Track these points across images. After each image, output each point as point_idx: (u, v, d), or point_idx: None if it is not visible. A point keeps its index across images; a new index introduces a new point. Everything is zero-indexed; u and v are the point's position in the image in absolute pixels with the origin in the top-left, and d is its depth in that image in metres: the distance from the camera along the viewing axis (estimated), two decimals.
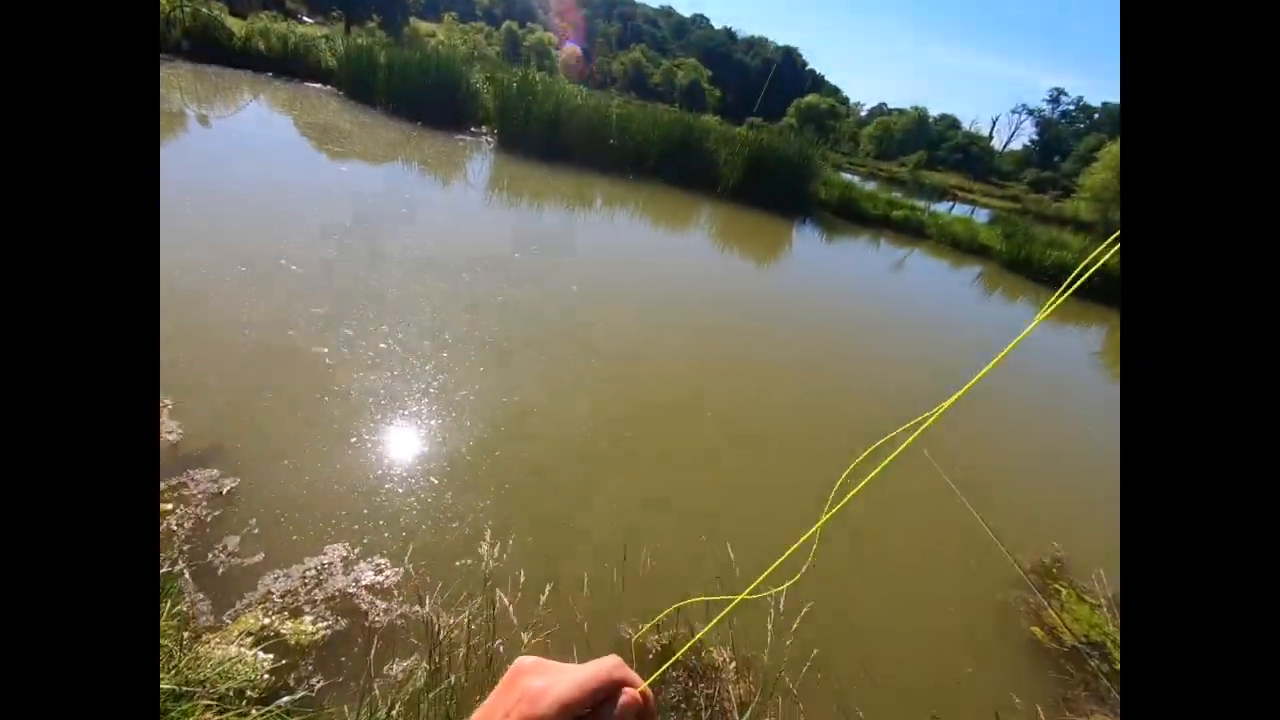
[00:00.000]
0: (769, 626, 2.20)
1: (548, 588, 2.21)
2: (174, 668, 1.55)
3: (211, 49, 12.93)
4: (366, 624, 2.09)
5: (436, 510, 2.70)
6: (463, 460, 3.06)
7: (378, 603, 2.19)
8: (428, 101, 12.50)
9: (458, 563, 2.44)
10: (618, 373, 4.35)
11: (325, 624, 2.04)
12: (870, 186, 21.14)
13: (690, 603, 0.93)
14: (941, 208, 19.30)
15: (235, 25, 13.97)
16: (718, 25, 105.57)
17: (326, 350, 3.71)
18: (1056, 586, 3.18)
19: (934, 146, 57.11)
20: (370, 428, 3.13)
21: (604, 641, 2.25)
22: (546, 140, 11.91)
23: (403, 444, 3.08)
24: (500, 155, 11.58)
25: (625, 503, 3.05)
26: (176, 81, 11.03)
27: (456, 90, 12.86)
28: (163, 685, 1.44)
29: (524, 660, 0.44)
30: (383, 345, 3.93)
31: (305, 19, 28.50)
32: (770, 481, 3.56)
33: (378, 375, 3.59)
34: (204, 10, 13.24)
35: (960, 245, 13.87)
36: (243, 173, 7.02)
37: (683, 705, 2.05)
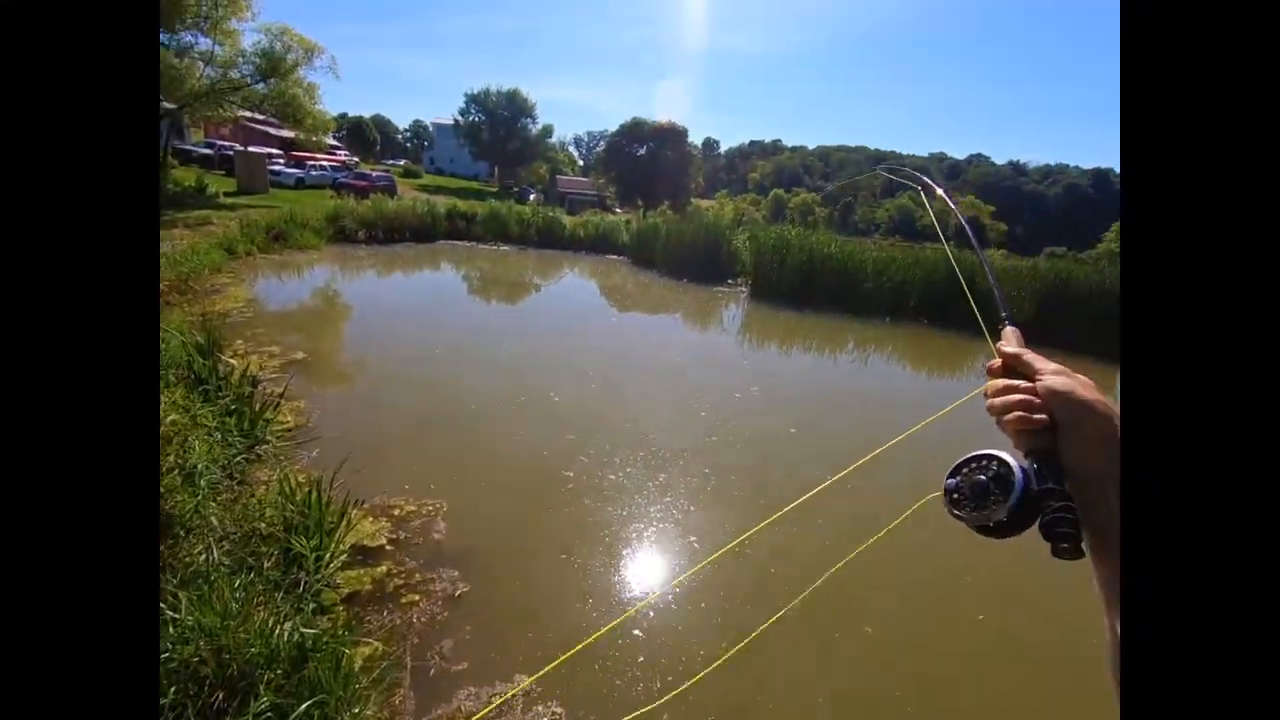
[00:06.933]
0: None
1: None
2: None
3: (550, 238, 17.91)
4: None
5: (622, 669, 2.55)
6: (647, 620, 2.89)
7: None
8: (694, 260, 14.44)
9: None
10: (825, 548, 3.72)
11: None
12: None
13: None
14: None
15: (569, 221, 19.09)
16: (1000, 161, 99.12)
17: (571, 474, 4.15)
18: None
19: None
20: (594, 562, 3.25)
21: None
22: (798, 288, 12.30)
23: (615, 587, 3.10)
24: (753, 303, 12.34)
25: None
26: (528, 262, 15.28)
27: (719, 251, 14.61)
28: None
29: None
30: (613, 477, 4.21)
31: (616, 210, 37.15)
32: None
33: (612, 508, 3.80)
34: (550, 215, 18.70)
35: None
36: (545, 320, 9.01)
37: None
